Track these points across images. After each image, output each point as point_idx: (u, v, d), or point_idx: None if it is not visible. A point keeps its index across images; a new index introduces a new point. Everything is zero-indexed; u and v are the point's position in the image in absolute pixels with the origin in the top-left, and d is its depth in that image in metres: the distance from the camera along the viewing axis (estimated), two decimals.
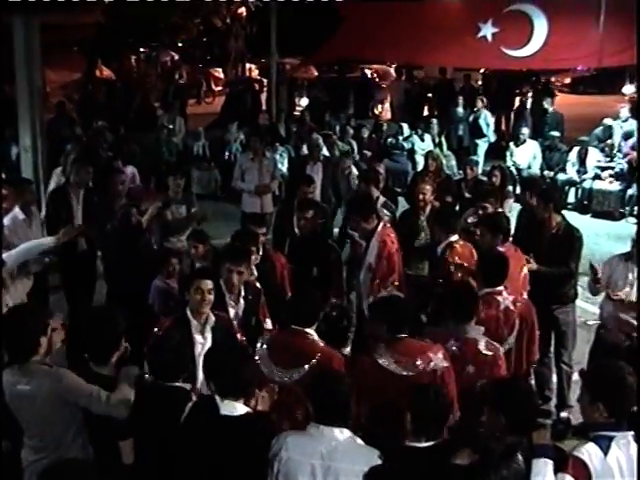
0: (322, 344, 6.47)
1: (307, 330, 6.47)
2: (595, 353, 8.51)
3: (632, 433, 5.03)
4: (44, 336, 5.75)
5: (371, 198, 10.44)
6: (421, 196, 10.34)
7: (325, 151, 16.76)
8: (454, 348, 6.63)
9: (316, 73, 37.95)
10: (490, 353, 6.68)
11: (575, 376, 8.88)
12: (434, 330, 7.08)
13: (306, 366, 6.27)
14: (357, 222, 9.08)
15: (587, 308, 10.64)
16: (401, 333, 6.34)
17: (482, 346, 6.69)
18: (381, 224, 9.01)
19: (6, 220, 9.66)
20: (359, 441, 5.27)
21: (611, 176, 17.54)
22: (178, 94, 27.84)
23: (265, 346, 6.50)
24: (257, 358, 6.35)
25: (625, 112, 19.48)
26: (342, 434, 5.18)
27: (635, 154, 17.61)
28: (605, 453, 4.91)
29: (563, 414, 8.87)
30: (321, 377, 5.62)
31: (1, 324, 5.81)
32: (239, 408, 5.28)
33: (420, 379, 6.06)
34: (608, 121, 19.47)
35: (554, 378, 9.11)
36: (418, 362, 6.19)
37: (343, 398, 5.30)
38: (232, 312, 7.56)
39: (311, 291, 6.95)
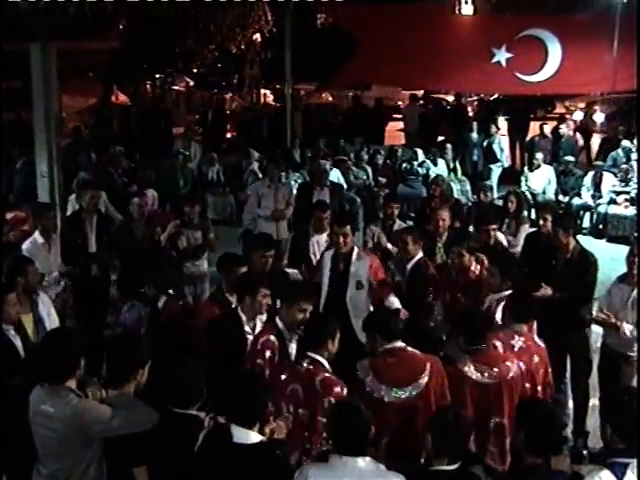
0: (419, 353, 6.70)
1: (401, 344, 6.68)
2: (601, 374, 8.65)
3: None
4: (82, 359, 5.76)
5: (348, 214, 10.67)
6: (440, 222, 10.37)
7: (340, 176, 16.83)
8: (520, 343, 7.14)
9: (330, 98, 38.07)
10: (542, 343, 7.37)
11: (592, 402, 8.88)
12: (501, 330, 7.45)
13: (424, 378, 6.47)
14: (339, 238, 9.03)
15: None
16: (480, 344, 6.78)
17: (536, 338, 7.45)
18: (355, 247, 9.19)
19: (25, 244, 9.82)
20: (382, 467, 5.26)
21: (626, 200, 17.47)
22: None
23: (368, 370, 6.55)
24: (363, 379, 6.49)
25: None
26: (364, 462, 5.18)
27: None
28: None
29: (580, 440, 8.81)
30: (340, 408, 5.62)
31: None
32: (253, 436, 5.27)
33: (500, 386, 6.63)
34: (626, 144, 19.45)
35: (570, 404, 9.06)
36: (498, 370, 6.68)
37: (363, 428, 5.30)
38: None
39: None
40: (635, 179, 17.96)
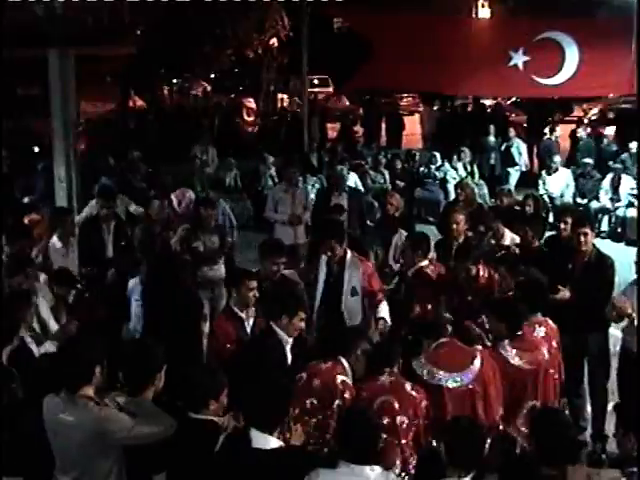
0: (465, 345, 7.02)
1: (446, 338, 7.03)
2: (620, 377, 8.64)
3: None
4: (99, 366, 5.76)
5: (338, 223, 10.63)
6: (454, 226, 10.35)
7: (358, 181, 16.82)
8: (542, 331, 7.48)
9: (348, 102, 38.05)
10: (554, 325, 7.74)
11: (610, 406, 8.84)
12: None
13: (477, 362, 6.80)
14: (331, 247, 9.08)
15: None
16: (519, 331, 7.18)
17: (549, 322, 7.70)
18: (349, 251, 9.21)
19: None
20: (392, 476, 5.24)
21: None
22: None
23: (425, 363, 6.78)
24: (423, 373, 6.72)
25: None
26: (373, 472, 5.17)
27: None
28: None
29: (598, 444, 8.77)
30: (351, 414, 5.63)
31: None
32: (272, 441, 5.27)
33: (537, 371, 7.12)
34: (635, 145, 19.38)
35: (588, 408, 9.02)
36: (535, 356, 7.15)
37: (374, 436, 5.30)
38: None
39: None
40: None
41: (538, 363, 7.18)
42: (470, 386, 6.73)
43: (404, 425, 6.29)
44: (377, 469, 5.20)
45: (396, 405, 6.29)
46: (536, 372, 7.15)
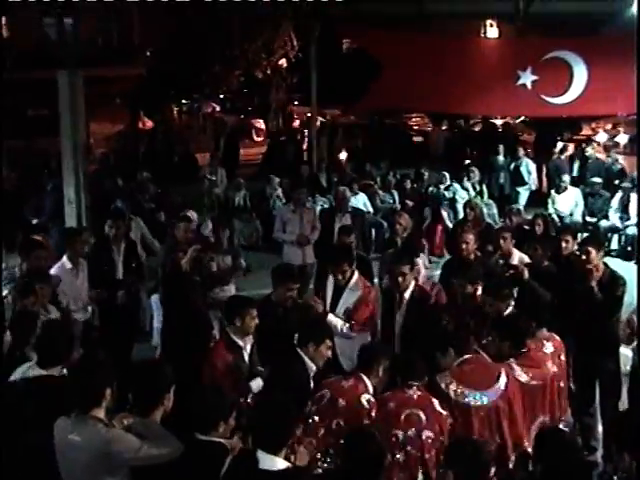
0: (490, 360, 7.06)
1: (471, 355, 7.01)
2: (631, 397, 8.58)
3: None
4: (110, 388, 5.77)
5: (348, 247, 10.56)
6: (464, 245, 10.31)
7: (367, 201, 16.83)
8: (550, 347, 7.57)
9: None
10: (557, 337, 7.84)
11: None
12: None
13: (502, 380, 6.82)
14: (342, 270, 9.09)
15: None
16: (523, 348, 7.23)
17: (554, 335, 7.80)
18: (356, 273, 9.20)
19: (54, 269, 9.88)
20: None
21: None
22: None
23: (450, 380, 6.78)
24: (450, 389, 6.70)
25: None
26: None
27: None
28: None
29: (609, 465, 8.71)
30: (356, 436, 5.62)
31: None
32: (279, 463, 5.26)
33: (545, 386, 7.17)
34: None
35: (600, 428, 8.97)
36: (541, 371, 7.20)
37: (378, 457, 5.29)
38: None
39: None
40: None
41: (545, 378, 7.22)
42: (496, 405, 6.73)
43: (430, 440, 6.28)
44: None
45: (423, 419, 6.28)
46: (544, 387, 7.19)
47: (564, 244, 9.90)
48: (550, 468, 5.12)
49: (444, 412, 6.41)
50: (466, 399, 6.67)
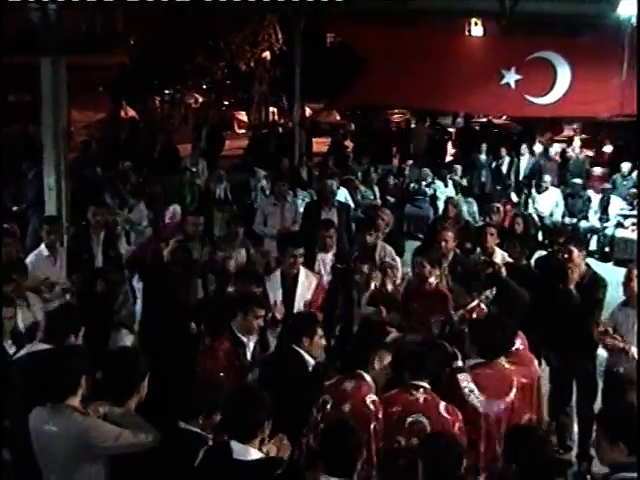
0: (507, 367, 6.93)
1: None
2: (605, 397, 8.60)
3: None
4: (85, 377, 5.74)
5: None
6: (443, 243, 10.32)
7: (348, 196, 16.79)
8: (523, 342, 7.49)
9: (338, 117, 38.10)
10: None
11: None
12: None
13: (512, 392, 6.70)
14: (295, 258, 9.23)
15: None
16: (513, 346, 7.12)
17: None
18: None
19: (30, 256, 9.89)
20: None
21: (633, 224, 17.44)
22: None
23: (469, 380, 6.65)
24: (472, 398, 6.57)
25: (627, 167, 19.51)
26: None
27: None
28: None
29: (584, 464, 8.75)
30: (333, 428, 5.60)
31: None
32: (252, 453, 5.26)
33: (533, 384, 7.13)
34: (625, 165, 19.53)
35: (575, 428, 9.01)
36: (531, 369, 7.23)
37: (353, 450, 5.28)
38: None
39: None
40: None
41: (532, 377, 7.19)
42: (501, 416, 6.63)
43: None
44: None
45: (428, 428, 6.11)
46: (531, 386, 7.13)
47: (557, 247, 9.86)
48: (524, 467, 5.12)
49: (450, 417, 6.20)
50: (480, 406, 6.55)
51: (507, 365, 6.95)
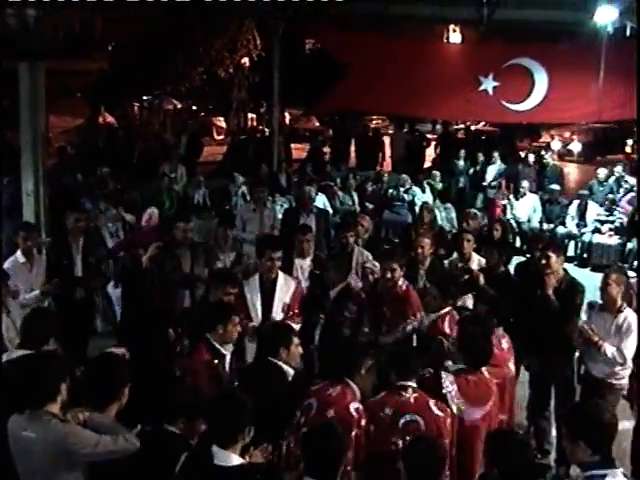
0: (488, 375, 6.95)
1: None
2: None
3: (621, 470, 5.09)
4: (64, 383, 5.71)
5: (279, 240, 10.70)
6: (420, 250, 10.33)
7: (326, 201, 16.80)
8: (506, 343, 7.77)
9: (317, 123, 38.15)
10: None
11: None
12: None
13: (491, 401, 6.74)
14: (270, 258, 9.16)
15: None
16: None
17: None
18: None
19: (6, 263, 9.78)
20: None
21: (611, 230, 17.57)
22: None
23: (454, 386, 6.69)
24: (450, 403, 6.59)
25: (603, 173, 19.65)
26: None
27: (631, 208, 17.71)
28: None
29: (562, 468, 8.79)
30: (316, 430, 5.61)
31: None
32: (234, 459, 5.25)
33: (505, 385, 7.20)
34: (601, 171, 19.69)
35: (554, 432, 9.05)
36: (504, 369, 7.32)
37: (336, 453, 5.29)
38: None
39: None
40: (620, 209, 18.05)
41: (504, 377, 7.24)
42: (479, 421, 6.66)
43: None
44: None
45: (422, 426, 6.16)
46: (503, 386, 7.16)
47: (538, 253, 9.87)
48: (505, 470, 5.15)
49: (442, 413, 6.28)
50: (462, 413, 6.60)
51: (485, 372, 6.96)
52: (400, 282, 9.04)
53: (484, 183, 21.06)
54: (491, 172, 21.25)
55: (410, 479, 5.28)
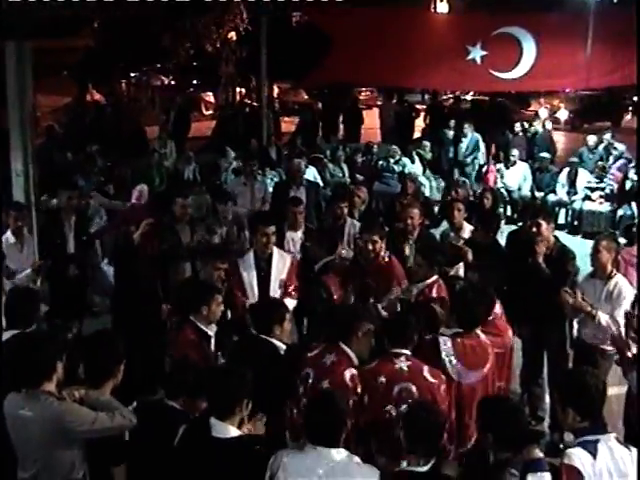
0: (485, 338, 7.04)
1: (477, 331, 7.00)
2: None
3: (614, 435, 5.18)
4: (60, 362, 5.74)
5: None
6: (409, 220, 10.32)
7: (316, 174, 16.80)
8: (500, 310, 7.67)
9: (306, 96, 38.03)
10: None
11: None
12: None
13: (488, 364, 6.86)
14: (268, 237, 9.13)
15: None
16: (490, 316, 7.27)
17: None
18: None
19: None
20: (357, 460, 5.29)
21: (601, 197, 17.60)
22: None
23: (451, 351, 6.73)
24: (448, 366, 6.68)
25: (593, 140, 19.71)
26: (339, 454, 5.23)
27: (621, 175, 17.75)
28: (594, 456, 5.01)
29: (556, 434, 8.86)
30: (318, 397, 5.66)
31: None
32: (232, 430, 5.30)
33: (505, 354, 7.30)
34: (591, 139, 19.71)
35: (547, 398, 9.11)
36: (505, 339, 7.34)
37: (339, 419, 5.32)
38: None
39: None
40: (610, 176, 18.07)
41: (505, 346, 7.31)
42: (476, 384, 6.76)
43: None
44: (343, 452, 5.26)
45: (415, 394, 6.20)
46: (504, 355, 7.27)
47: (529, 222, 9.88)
48: (499, 435, 5.21)
49: (435, 380, 6.32)
50: (454, 374, 6.67)
51: (482, 335, 7.03)
52: (382, 253, 9.01)
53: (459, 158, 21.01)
54: (464, 145, 21.18)
55: (410, 445, 5.32)
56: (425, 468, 5.21)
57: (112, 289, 10.68)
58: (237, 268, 9.08)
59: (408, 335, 6.52)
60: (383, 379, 6.32)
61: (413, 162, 19.19)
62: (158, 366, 6.43)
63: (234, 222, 11.40)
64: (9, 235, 10.04)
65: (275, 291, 9.01)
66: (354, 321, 6.74)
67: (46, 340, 5.93)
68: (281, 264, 9.17)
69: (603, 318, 8.16)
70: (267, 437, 5.70)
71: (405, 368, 6.33)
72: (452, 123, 22.12)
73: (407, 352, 6.42)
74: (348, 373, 6.38)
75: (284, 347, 7.18)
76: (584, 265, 9.00)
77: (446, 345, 6.78)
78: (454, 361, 6.69)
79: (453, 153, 21.39)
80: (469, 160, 20.62)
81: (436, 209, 14.75)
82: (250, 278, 9.05)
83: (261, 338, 7.12)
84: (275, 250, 9.21)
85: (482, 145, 21.22)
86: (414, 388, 6.21)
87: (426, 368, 6.36)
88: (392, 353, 6.44)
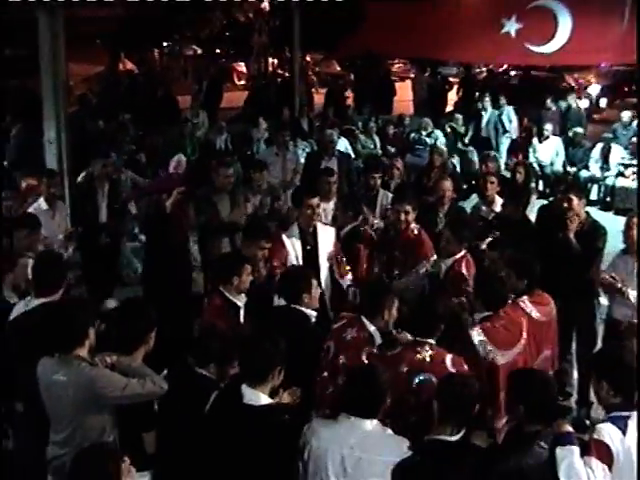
0: (514, 312, 7.07)
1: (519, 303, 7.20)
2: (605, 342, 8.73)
3: None
4: (92, 328, 5.81)
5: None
6: (442, 192, 10.32)
7: (348, 146, 16.76)
8: None
9: (338, 68, 37.90)
10: None
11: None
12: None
13: (524, 337, 6.90)
14: (313, 209, 8.96)
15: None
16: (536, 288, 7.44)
17: None
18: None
19: (30, 210, 9.77)
20: (389, 431, 5.31)
21: (634, 173, 17.42)
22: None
23: (481, 336, 6.71)
24: (483, 353, 6.65)
25: (627, 115, 19.47)
26: (372, 425, 5.26)
27: None
28: (624, 433, 5.04)
29: (583, 410, 8.85)
30: (359, 371, 5.67)
31: None
32: (263, 398, 5.34)
33: (550, 322, 7.40)
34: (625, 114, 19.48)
35: (575, 374, 9.10)
36: (550, 309, 7.42)
37: (378, 394, 5.33)
38: None
39: None
40: None
41: (550, 315, 7.37)
42: (516, 359, 6.75)
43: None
44: (375, 422, 5.29)
45: (435, 384, 5.96)
46: (549, 324, 7.35)
47: (560, 195, 9.81)
48: (530, 407, 5.21)
49: (455, 370, 6.12)
50: (495, 358, 6.65)
51: (528, 304, 7.21)
52: (412, 225, 9.00)
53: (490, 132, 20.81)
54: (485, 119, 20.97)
55: (442, 413, 5.30)
56: (455, 437, 5.21)
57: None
58: (281, 243, 8.82)
59: (433, 325, 6.41)
60: (405, 368, 6.16)
61: (445, 135, 19.10)
62: (188, 335, 6.44)
63: (268, 191, 11.36)
64: (42, 202, 10.09)
65: (324, 266, 8.87)
66: (384, 298, 6.70)
67: (78, 306, 6.02)
68: (326, 238, 9.01)
69: (632, 295, 8.13)
70: (295, 407, 5.73)
71: (428, 359, 6.17)
72: (485, 96, 21.94)
73: (431, 341, 6.30)
74: (365, 352, 6.36)
75: (315, 314, 7.19)
76: (616, 241, 8.95)
77: (476, 333, 6.73)
78: (489, 347, 6.66)
79: (487, 126, 21.24)
80: (502, 134, 20.46)
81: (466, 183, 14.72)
82: (296, 251, 8.83)
83: (292, 308, 7.13)
84: (319, 225, 9.05)
85: (515, 119, 21.06)
86: (435, 379, 6.02)
87: (449, 357, 6.20)
88: (416, 342, 6.32)
